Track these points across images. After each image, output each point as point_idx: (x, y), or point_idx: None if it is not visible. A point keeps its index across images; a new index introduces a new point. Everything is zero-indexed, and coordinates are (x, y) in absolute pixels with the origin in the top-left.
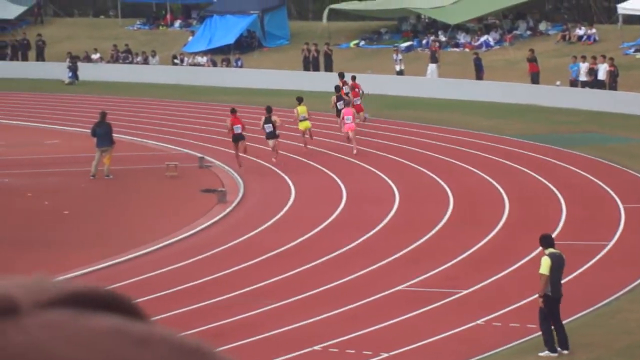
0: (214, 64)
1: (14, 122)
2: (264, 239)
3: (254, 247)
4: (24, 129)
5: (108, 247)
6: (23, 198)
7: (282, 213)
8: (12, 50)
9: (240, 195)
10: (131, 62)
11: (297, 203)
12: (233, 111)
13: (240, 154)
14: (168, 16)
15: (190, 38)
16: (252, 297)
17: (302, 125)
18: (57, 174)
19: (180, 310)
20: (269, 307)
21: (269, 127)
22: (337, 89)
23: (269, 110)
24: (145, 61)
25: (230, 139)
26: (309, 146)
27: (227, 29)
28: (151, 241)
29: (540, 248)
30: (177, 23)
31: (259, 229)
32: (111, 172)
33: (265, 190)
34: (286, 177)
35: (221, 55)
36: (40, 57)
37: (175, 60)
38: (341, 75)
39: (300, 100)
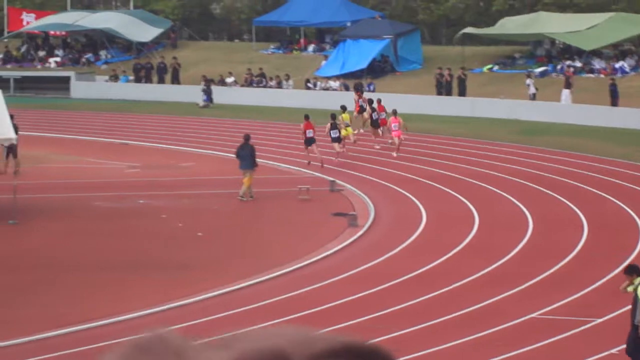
0: (347, 88)
1: (150, 144)
2: (395, 263)
3: (384, 271)
4: (159, 151)
5: (240, 270)
6: (157, 220)
7: (413, 237)
8: (147, 72)
9: (371, 219)
10: (265, 86)
11: (429, 228)
12: (307, 117)
13: (311, 155)
14: (302, 40)
15: (324, 62)
16: (383, 322)
17: (345, 132)
18: (192, 196)
19: None
20: (399, 332)
21: (335, 133)
22: (371, 102)
23: (333, 117)
24: (279, 85)
25: (303, 142)
26: (343, 150)
27: (360, 53)
28: (283, 264)
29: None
30: (311, 47)
31: (390, 253)
32: (247, 194)
33: (396, 214)
34: (417, 202)
35: (354, 79)
36: (175, 80)
37: (309, 84)
38: (358, 88)
39: (344, 109)
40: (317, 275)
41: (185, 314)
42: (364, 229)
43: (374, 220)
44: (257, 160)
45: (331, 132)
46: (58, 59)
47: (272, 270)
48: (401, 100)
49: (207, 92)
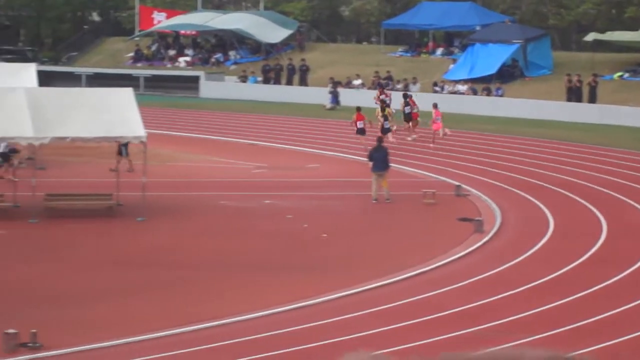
0: (475, 92)
1: (277, 145)
2: (520, 270)
3: (509, 278)
4: (286, 152)
5: (363, 272)
6: (283, 220)
7: (539, 244)
8: (276, 74)
9: (497, 225)
10: (392, 89)
11: (555, 235)
12: (358, 109)
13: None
14: (430, 44)
15: (452, 66)
16: (506, 329)
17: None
18: (317, 197)
19: (433, 339)
20: (522, 340)
21: (387, 124)
22: (405, 96)
23: (383, 109)
24: (406, 88)
25: (355, 132)
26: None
27: (489, 57)
28: (406, 268)
29: None
30: (439, 51)
31: (516, 260)
32: (391, 196)
33: (523, 221)
34: (544, 208)
35: (482, 83)
36: (303, 81)
37: (436, 88)
38: (380, 84)
39: (387, 105)
40: (440, 281)
41: (309, 315)
42: (490, 234)
43: (500, 226)
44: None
45: (384, 122)
46: (188, 59)
47: (394, 274)
48: (529, 105)
49: (334, 94)
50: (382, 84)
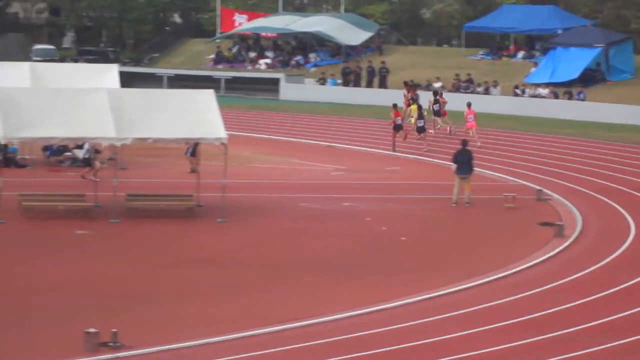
0: (556, 96)
1: (356, 147)
2: (601, 275)
3: (590, 283)
4: (365, 154)
5: (442, 276)
6: (362, 223)
7: (621, 249)
8: (356, 76)
9: (578, 229)
10: (472, 92)
11: (637, 240)
12: (395, 106)
13: (396, 141)
14: (511, 47)
15: (533, 69)
16: (586, 335)
17: (413, 121)
18: (396, 200)
19: (511, 345)
20: (606, 345)
21: (420, 122)
22: (435, 93)
23: (420, 108)
24: (487, 91)
25: (392, 128)
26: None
27: (570, 61)
28: (486, 272)
29: None
30: (520, 54)
31: (597, 265)
32: (471, 200)
33: (604, 226)
34: (626, 214)
35: (563, 87)
36: (383, 84)
37: (517, 91)
38: (407, 83)
39: (416, 100)
40: (520, 285)
41: (387, 318)
42: (571, 239)
43: (581, 231)
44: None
45: (417, 121)
46: (268, 61)
47: (473, 278)
48: (611, 109)
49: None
50: (408, 83)
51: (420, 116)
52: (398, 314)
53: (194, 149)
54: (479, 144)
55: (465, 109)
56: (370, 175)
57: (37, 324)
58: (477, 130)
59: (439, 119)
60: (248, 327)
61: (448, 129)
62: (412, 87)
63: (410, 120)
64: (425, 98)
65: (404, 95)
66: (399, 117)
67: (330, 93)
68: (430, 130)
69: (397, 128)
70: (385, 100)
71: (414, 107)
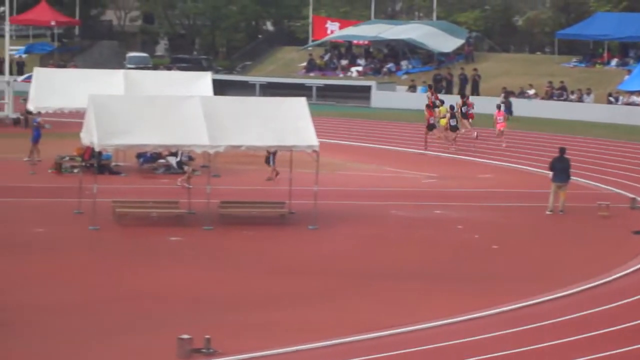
0: None
1: (446, 154)
2: None
3: None
4: (456, 162)
5: (535, 284)
6: (453, 231)
7: None
8: (448, 83)
9: None
10: (565, 99)
11: None
12: (428, 106)
13: (429, 139)
14: (605, 54)
15: (627, 77)
16: None
17: (442, 122)
18: (488, 208)
19: (607, 354)
20: None
21: (453, 122)
22: (462, 95)
23: (452, 107)
24: (580, 99)
25: (425, 127)
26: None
27: None
28: (580, 281)
29: None
30: (614, 61)
31: None
32: (565, 208)
33: None
34: None
35: None
36: (475, 91)
37: (611, 99)
38: (430, 86)
39: (442, 103)
40: (613, 294)
41: (479, 327)
42: None
43: None
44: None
45: (450, 121)
46: (360, 68)
47: (566, 287)
48: None
49: (507, 105)
50: (431, 86)
51: (452, 115)
52: (489, 323)
53: (273, 156)
54: (504, 145)
55: (495, 110)
56: (461, 182)
57: (131, 330)
58: (506, 132)
59: (466, 122)
60: (337, 334)
61: (474, 133)
62: (435, 90)
63: (441, 122)
64: (517, 105)
65: (427, 98)
66: (432, 117)
67: (421, 100)
68: (467, 132)
69: (431, 127)
70: (478, 108)
71: (443, 108)
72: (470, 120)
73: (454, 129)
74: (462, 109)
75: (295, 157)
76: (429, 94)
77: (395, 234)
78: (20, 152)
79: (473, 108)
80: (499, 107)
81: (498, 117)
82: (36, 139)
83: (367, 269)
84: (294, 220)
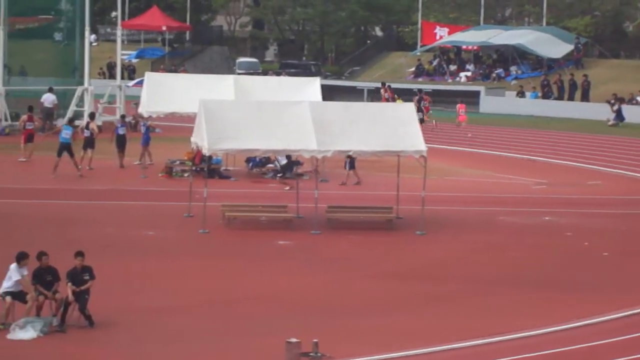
0: None
1: (556, 160)
2: None
3: None
4: (565, 168)
5: None
6: (562, 237)
7: None
8: (558, 89)
9: None
10: None
11: None
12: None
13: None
14: None
15: None
16: None
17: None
18: (598, 215)
19: None
20: None
21: (419, 115)
22: (420, 90)
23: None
24: None
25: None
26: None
27: None
28: None
29: None
30: None
31: None
32: None
33: None
34: None
35: None
36: (585, 97)
37: None
38: (384, 83)
39: (397, 97)
40: None
41: (589, 335)
42: None
43: None
44: None
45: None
46: (468, 74)
47: None
48: None
49: (617, 111)
50: (385, 83)
51: (419, 109)
52: (600, 331)
53: (351, 161)
54: (469, 135)
55: (458, 104)
56: (571, 189)
57: (239, 333)
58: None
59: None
60: (444, 341)
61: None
62: (389, 87)
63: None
64: (627, 112)
65: (382, 94)
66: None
67: (530, 106)
68: None
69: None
70: (587, 114)
71: (400, 100)
72: (427, 113)
73: (420, 121)
74: (420, 103)
75: (402, 163)
76: (382, 90)
77: (504, 241)
78: (131, 155)
79: (430, 103)
80: (461, 101)
81: (460, 110)
82: (146, 142)
83: (474, 275)
84: (402, 225)
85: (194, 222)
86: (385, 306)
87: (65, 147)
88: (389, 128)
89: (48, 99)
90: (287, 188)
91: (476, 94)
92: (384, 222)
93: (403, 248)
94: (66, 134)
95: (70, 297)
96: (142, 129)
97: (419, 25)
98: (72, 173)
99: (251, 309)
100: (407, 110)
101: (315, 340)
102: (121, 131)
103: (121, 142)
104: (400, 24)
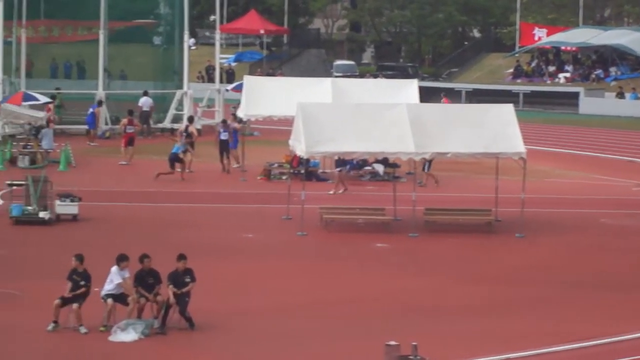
0: None
1: None
2: None
3: None
4: None
5: None
6: None
7: None
8: None
9: None
10: None
11: None
12: None
13: None
14: None
15: None
16: None
17: None
18: None
19: None
20: None
21: None
22: None
23: None
24: None
25: None
26: None
27: None
28: None
29: None
30: None
31: None
32: None
33: None
34: None
35: None
36: None
37: None
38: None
39: None
40: None
41: None
42: None
43: None
44: None
45: None
46: (567, 75)
47: None
48: None
49: None
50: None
51: None
52: None
53: (429, 163)
54: None
55: (443, 98)
56: None
57: (337, 335)
58: None
59: None
60: (544, 344)
61: None
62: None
63: None
64: None
65: None
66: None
67: (630, 107)
68: None
69: None
70: None
71: None
72: None
73: None
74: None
75: (501, 164)
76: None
77: (605, 243)
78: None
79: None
80: (444, 94)
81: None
82: (234, 145)
83: (575, 278)
84: (501, 228)
85: (292, 225)
86: (484, 309)
87: (176, 158)
88: (487, 130)
89: (146, 103)
90: (341, 191)
91: (575, 95)
92: (482, 224)
93: (502, 251)
94: (177, 148)
95: (172, 299)
96: (224, 135)
97: (517, 27)
98: (172, 177)
99: (350, 311)
100: (506, 111)
101: (414, 343)
102: (223, 136)
103: (224, 147)
104: (498, 25)
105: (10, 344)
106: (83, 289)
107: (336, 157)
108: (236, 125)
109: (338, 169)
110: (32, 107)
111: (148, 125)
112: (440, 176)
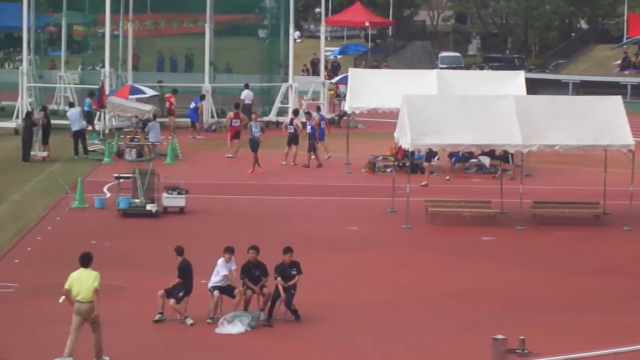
0: None
1: None
2: None
3: None
4: None
5: None
6: None
7: None
8: None
9: None
10: None
11: None
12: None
13: None
14: None
15: None
16: None
17: None
18: None
19: None
20: None
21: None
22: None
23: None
24: None
25: None
26: None
27: None
28: None
29: None
30: None
31: None
32: None
33: None
34: None
35: None
36: None
37: None
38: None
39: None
40: None
41: None
42: None
43: None
44: None
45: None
46: None
47: None
48: None
49: None
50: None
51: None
52: None
53: (511, 156)
54: None
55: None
56: None
57: (446, 328)
58: None
59: None
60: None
61: None
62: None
63: None
64: None
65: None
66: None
67: None
68: None
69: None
70: None
71: None
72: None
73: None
74: None
75: (609, 157)
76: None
77: None
78: (335, 150)
79: None
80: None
81: None
82: (321, 137)
83: None
84: (609, 221)
85: (397, 218)
86: (592, 302)
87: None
88: (595, 121)
89: (248, 96)
90: (424, 183)
91: None
92: (590, 217)
93: (610, 244)
94: (255, 131)
95: (282, 293)
96: (308, 128)
97: (625, 18)
98: (277, 169)
99: (456, 304)
100: (615, 103)
101: (521, 337)
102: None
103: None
104: (605, 17)
105: (117, 335)
106: (178, 281)
107: (426, 150)
108: (297, 122)
109: (425, 162)
110: (138, 100)
111: (249, 117)
112: (548, 169)
